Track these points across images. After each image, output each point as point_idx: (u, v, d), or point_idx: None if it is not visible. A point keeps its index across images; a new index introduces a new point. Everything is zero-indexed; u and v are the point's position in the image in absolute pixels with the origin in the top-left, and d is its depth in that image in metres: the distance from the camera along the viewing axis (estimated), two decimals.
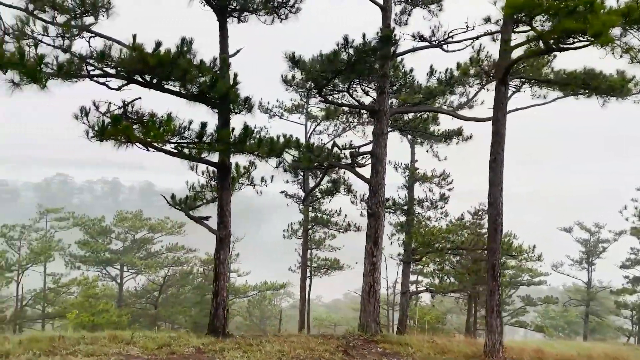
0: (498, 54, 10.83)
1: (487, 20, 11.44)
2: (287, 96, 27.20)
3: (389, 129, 15.43)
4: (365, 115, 17.96)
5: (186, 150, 10.36)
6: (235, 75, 9.08)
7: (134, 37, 7.95)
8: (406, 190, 25.30)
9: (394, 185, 26.24)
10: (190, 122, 8.96)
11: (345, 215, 26.75)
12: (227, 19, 10.87)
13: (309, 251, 32.63)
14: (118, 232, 41.81)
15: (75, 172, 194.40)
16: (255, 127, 9.95)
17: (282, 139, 10.41)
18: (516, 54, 10.57)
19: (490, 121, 14.03)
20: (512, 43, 10.71)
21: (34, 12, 8.81)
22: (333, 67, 10.46)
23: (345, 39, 10.39)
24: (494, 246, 10.54)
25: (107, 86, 8.69)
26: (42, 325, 37.81)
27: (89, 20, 9.53)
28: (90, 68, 8.93)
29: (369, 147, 15.55)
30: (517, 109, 13.34)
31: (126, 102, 8.97)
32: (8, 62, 7.05)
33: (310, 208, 26.19)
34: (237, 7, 10.86)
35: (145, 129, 8.21)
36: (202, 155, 9.61)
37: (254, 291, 38.35)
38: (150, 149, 9.55)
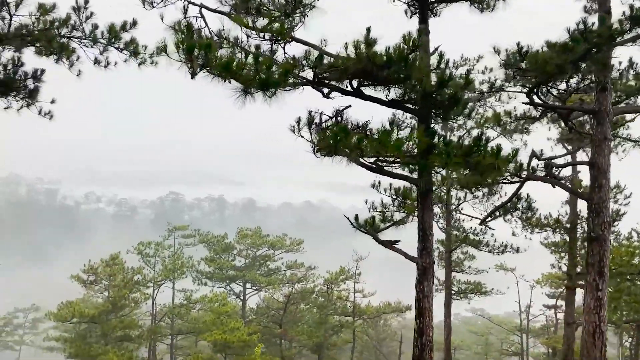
0: None
1: None
2: None
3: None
4: (544, 120, 15.63)
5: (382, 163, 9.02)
6: (468, 73, 7.48)
7: (368, 30, 6.65)
8: (567, 205, 22.14)
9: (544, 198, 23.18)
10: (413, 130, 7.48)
11: (492, 235, 24.15)
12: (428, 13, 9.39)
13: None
14: (240, 249, 42.41)
15: (186, 190, 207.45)
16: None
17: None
18: None
19: None
20: None
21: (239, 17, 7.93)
22: (568, 58, 8.50)
23: (584, 22, 8.41)
24: None
25: (322, 93, 7.52)
26: (171, 340, 39.06)
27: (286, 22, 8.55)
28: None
29: (565, 158, 13.27)
30: None
31: (338, 110, 7.74)
32: (237, 69, 6.04)
33: (454, 227, 24.00)
34: None
35: (369, 140, 6.86)
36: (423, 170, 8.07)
37: (377, 312, 36.54)
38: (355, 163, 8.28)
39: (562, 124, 16.93)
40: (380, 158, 8.68)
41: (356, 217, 10.76)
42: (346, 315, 36.12)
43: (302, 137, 7.16)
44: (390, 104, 8.80)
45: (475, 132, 9.94)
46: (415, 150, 7.61)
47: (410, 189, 10.55)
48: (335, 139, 6.47)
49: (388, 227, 10.67)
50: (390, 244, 10.55)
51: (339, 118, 7.80)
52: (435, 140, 6.96)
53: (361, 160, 8.43)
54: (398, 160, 8.89)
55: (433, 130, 7.31)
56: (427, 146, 7.02)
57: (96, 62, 9.70)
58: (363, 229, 10.60)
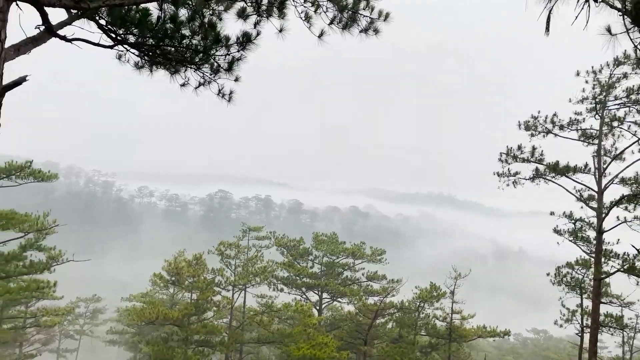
0: None
1: None
2: (566, 108, 22.32)
3: None
4: None
5: None
6: None
7: None
8: None
9: None
10: None
11: None
12: None
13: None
14: (315, 255, 40.09)
15: (234, 189, 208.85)
16: None
17: None
18: None
19: None
20: None
21: None
22: None
23: None
24: None
25: None
26: (240, 347, 36.94)
27: None
28: None
29: None
30: None
31: None
32: None
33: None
34: None
35: None
36: None
37: (474, 335, 33.23)
38: None
39: None
40: None
41: None
42: (439, 336, 33.05)
43: None
44: None
45: None
46: None
47: None
48: None
49: None
50: None
51: None
52: None
53: None
54: None
55: None
56: None
57: (332, 22, 7.30)
58: None
